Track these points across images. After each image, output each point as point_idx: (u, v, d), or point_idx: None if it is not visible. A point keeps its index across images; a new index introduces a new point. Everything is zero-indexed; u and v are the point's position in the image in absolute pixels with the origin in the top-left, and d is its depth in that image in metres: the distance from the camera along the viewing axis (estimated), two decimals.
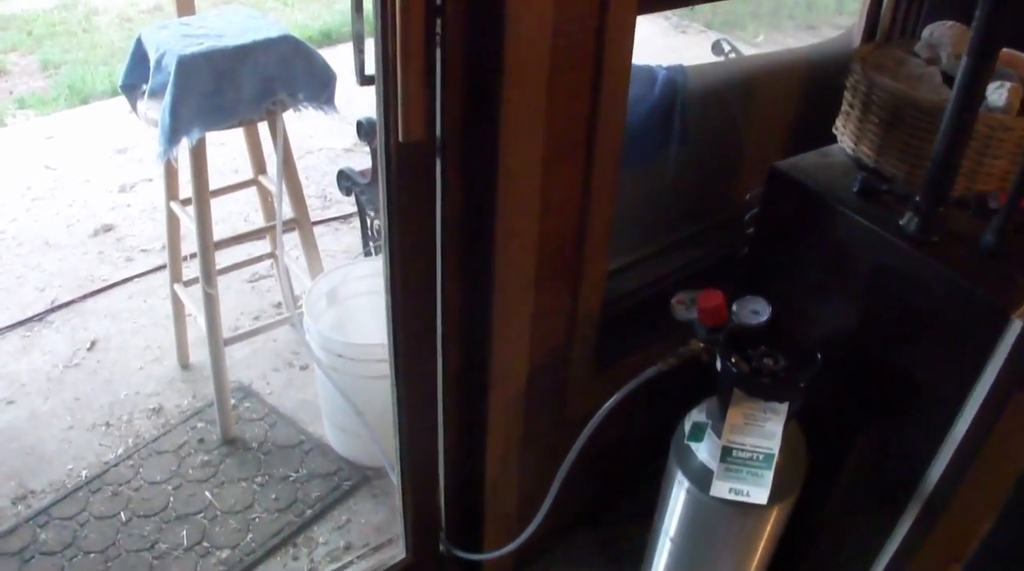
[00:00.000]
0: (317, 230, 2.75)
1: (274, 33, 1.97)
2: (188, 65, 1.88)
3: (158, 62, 1.95)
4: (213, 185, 2.16)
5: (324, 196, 3.55)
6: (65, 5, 5.93)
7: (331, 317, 2.34)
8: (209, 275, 2.18)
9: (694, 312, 1.45)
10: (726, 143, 2.01)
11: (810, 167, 1.57)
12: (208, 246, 2.14)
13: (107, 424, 2.47)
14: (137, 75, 2.12)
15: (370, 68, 1.19)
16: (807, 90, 2.07)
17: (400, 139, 1.20)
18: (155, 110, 2.01)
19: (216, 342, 2.26)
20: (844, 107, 1.60)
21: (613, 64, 1.32)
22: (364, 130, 2.35)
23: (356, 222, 3.28)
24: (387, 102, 1.21)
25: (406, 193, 1.30)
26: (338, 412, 2.27)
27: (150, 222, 3.38)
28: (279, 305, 2.90)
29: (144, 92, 2.08)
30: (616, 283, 1.84)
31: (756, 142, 2.04)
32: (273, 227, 2.33)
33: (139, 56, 2.10)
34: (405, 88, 1.15)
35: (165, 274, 3.07)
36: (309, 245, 2.30)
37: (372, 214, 2.54)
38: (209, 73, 1.91)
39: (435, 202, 1.34)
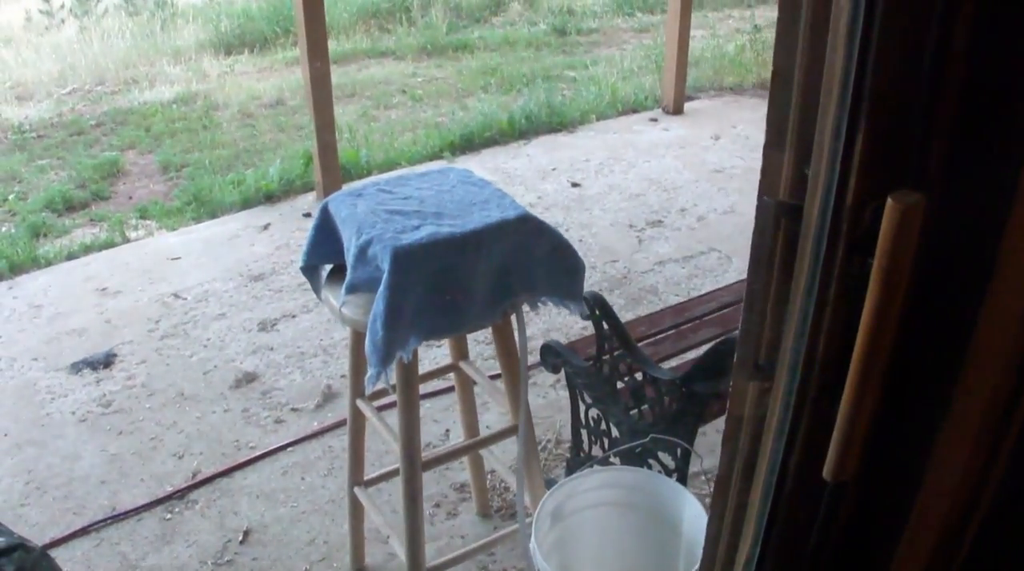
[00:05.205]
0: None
1: (511, 213, 1.51)
2: (407, 260, 1.43)
3: (361, 251, 1.50)
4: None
5: None
6: (184, 99, 5.67)
7: (553, 538, 1.85)
8: (415, 498, 1.71)
9: None
10: None
11: None
12: (416, 472, 1.67)
13: None
14: (322, 253, 1.68)
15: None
16: None
17: (826, 476, 0.79)
18: (355, 309, 1.56)
19: None
20: None
21: None
22: (589, 304, 1.88)
23: (547, 376, 2.79)
24: (798, 428, 0.82)
25: (790, 527, 0.91)
26: None
27: (298, 372, 2.94)
28: (462, 487, 2.43)
29: (329, 274, 1.65)
30: None
31: None
32: (483, 441, 1.86)
33: (325, 230, 1.66)
34: (853, 414, 0.74)
35: (323, 442, 2.68)
36: (531, 456, 1.82)
37: (589, 401, 2.05)
38: (432, 269, 1.46)
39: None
